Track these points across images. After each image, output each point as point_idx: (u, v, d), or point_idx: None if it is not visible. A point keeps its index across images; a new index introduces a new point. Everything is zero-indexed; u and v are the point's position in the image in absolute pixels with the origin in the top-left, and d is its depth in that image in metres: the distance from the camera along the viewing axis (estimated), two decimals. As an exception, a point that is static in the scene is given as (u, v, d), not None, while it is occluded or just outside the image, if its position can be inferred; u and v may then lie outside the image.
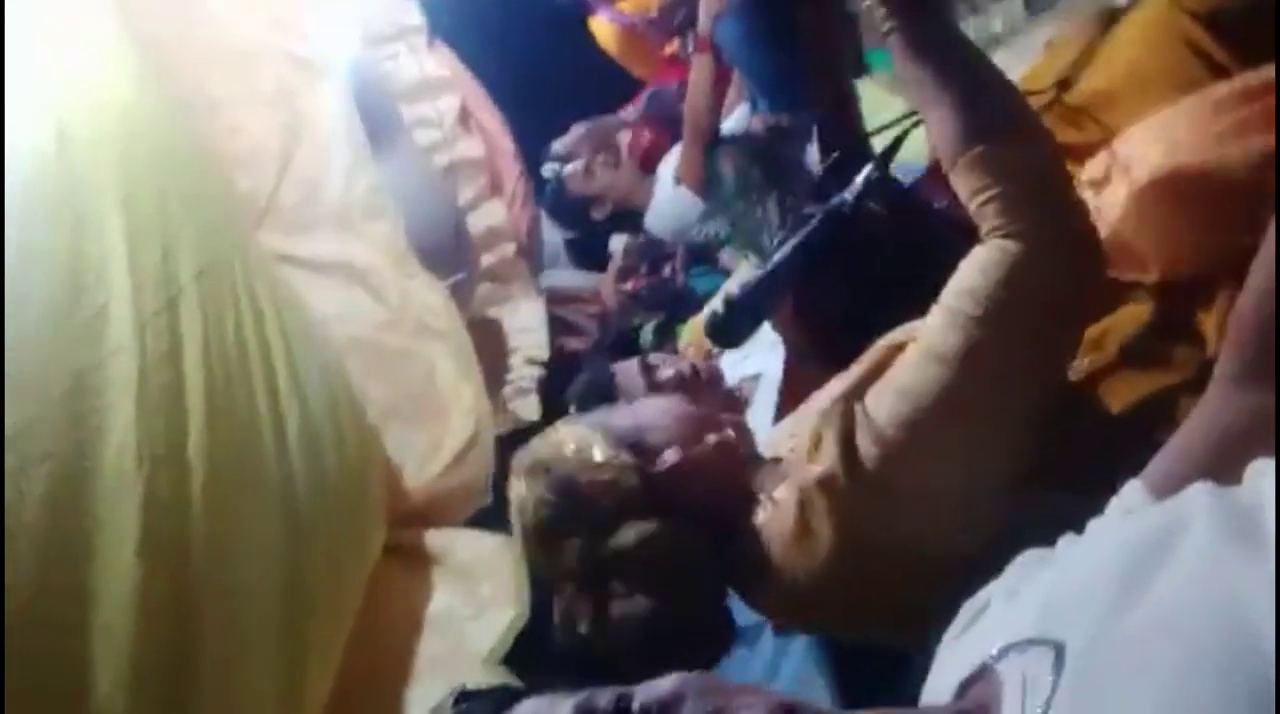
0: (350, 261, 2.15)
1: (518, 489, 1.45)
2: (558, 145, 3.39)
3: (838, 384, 1.45)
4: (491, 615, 1.92)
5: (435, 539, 2.10)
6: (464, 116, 3.01)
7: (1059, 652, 0.65)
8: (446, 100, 2.95)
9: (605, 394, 2.18)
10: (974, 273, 1.23)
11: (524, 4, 3.59)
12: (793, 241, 1.44)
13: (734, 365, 2.42)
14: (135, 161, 1.61)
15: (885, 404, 1.24)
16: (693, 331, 2.65)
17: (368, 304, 2.14)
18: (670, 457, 1.35)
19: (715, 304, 1.68)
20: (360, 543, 1.84)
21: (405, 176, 2.57)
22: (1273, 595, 0.60)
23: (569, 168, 3.34)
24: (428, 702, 1.79)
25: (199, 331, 1.50)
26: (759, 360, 2.33)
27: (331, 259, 2.15)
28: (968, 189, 1.23)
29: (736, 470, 1.39)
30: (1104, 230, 1.33)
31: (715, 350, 2.33)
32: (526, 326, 2.88)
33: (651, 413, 1.42)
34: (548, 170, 3.43)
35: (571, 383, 2.51)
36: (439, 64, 2.99)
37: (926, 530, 1.22)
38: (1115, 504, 0.86)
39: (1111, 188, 1.40)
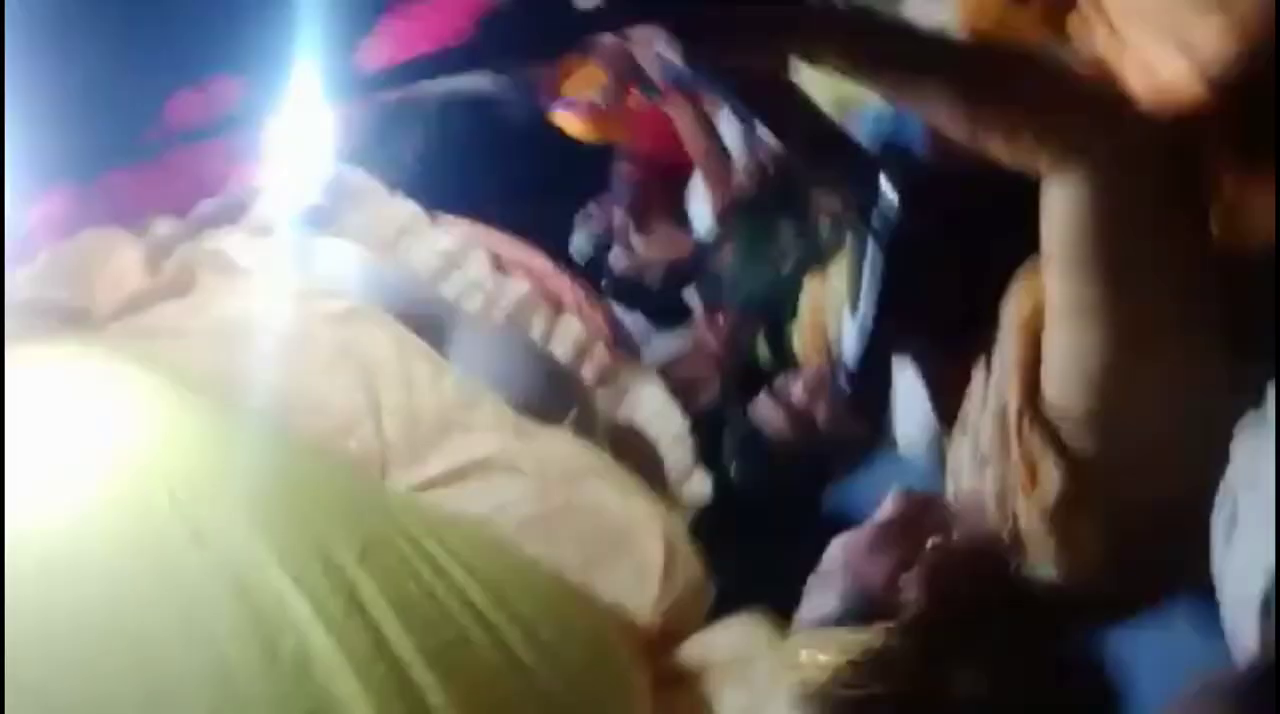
0: (475, 456, 2.19)
1: None
2: (578, 240, 3.44)
3: (981, 381, 1.39)
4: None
5: (690, 651, 2.12)
6: (496, 263, 3.08)
7: None
8: (473, 260, 3.01)
9: (756, 442, 2.17)
10: (1055, 219, 1.17)
11: (487, 128, 3.65)
12: (869, 294, 1.40)
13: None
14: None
15: (1066, 389, 1.18)
16: (801, 331, 2.62)
17: (511, 484, 2.18)
18: (910, 595, 1.32)
19: (841, 381, 1.64)
20: (629, 700, 1.86)
21: (478, 350, 2.63)
22: None
23: (611, 255, 3.37)
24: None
25: (388, 610, 1.55)
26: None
27: (461, 463, 2.20)
28: (999, 152, 1.17)
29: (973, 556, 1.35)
30: None
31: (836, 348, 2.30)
32: (656, 411, 2.90)
33: (857, 565, 1.39)
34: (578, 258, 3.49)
35: (719, 438, 2.52)
36: (447, 233, 3.05)
37: (1167, 477, 1.15)
38: None
39: None
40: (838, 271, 1.94)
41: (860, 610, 1.33)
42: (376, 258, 2.78)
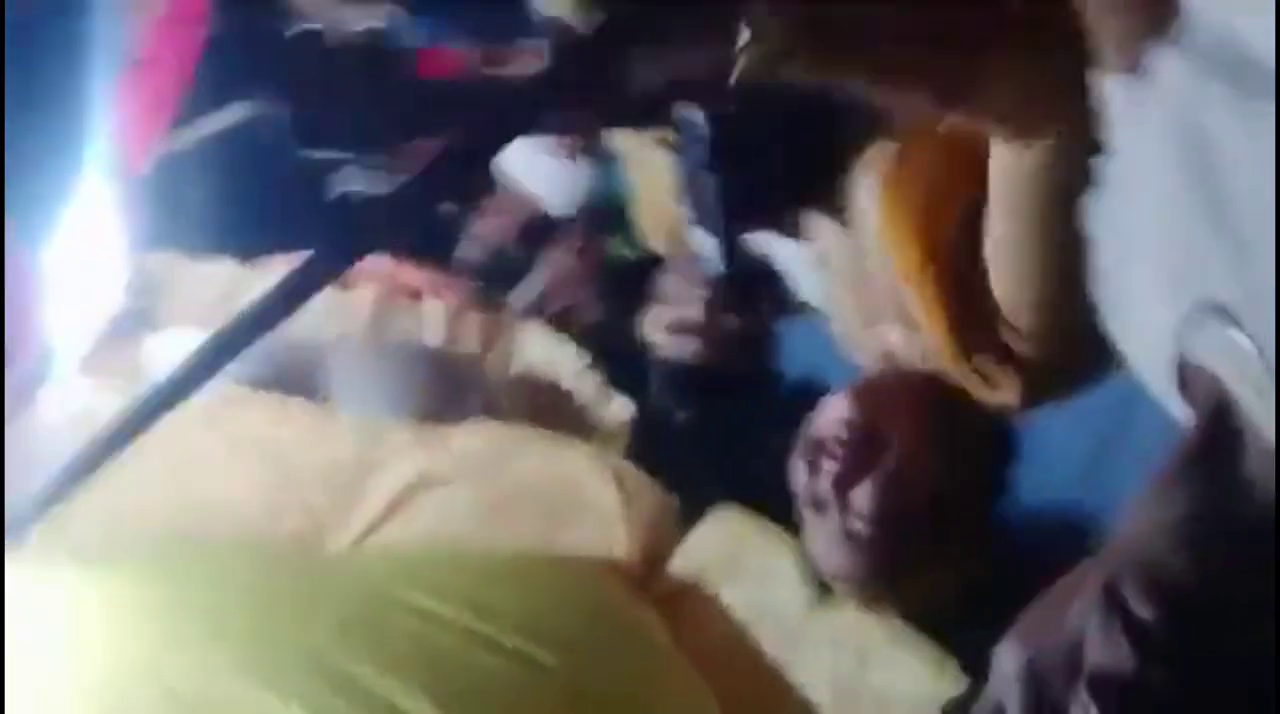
0: (400, 486, 2.21)
1: None
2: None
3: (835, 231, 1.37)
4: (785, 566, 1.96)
5: (678, 565, 2.17)
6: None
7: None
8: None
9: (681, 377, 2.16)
10: (1007, 175, 1.13)
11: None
12: (705, 204, 1.37)
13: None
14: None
15: (1016, 308, 1.17)
16: (647, 218, 2.59)
17: (445, 494, 2.19)
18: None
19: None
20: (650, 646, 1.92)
21: (357, 376, 2.58)
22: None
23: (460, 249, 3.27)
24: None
25: (395, 682, 1.55)
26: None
27: (389, 499, 2.21)
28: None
29: None
30: None
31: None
32: (549, 353, 2.89)
33: None
34: None
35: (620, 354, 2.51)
36: (272, 276, 2.96)
37: None
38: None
39: None
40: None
41: None
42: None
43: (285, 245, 3.09)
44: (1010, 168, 1.15)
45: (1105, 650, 0.55)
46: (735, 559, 2.08)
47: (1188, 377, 0.65)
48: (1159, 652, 0.54)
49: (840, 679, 1.82)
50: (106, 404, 2.36)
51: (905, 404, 1.31)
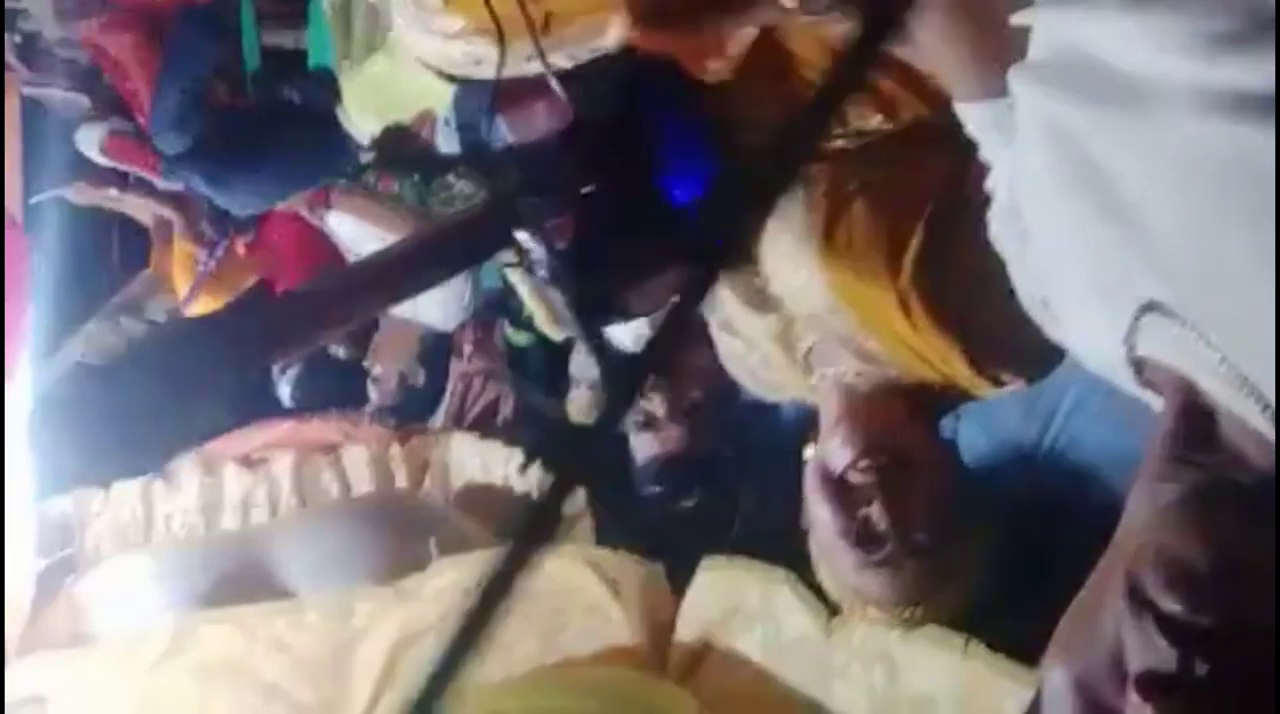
0: (385, 653, 2.13)
1: None
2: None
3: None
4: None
5: (684, 632, 2.13)
6: (246, 464, 2.93)
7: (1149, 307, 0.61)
8: (227, 482, 2.88)
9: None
10: None
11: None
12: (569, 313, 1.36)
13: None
14: None
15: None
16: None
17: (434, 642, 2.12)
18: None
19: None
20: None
21: (305, 553, 2.51)
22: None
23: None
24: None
25: None
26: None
27: (379, 670, 2.13)
28: None
29: None
30: None
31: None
32: (482, 459, 2.85)
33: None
34: None
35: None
36: (182, 486, 2.89)
37: None
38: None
39: None
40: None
41: None
42: (147, 563, 2.58)
43: (184, 442, 3.02)
44: None
45: (1144, 651, 0.55)
46: (737, 606, 2.05)
47: (1146, 371, 0.65)
48: (1195, 639, 0.54)
49: (876, 694, 1.79)
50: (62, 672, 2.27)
51: (904, 416, 1.31)
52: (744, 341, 1.45)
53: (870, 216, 1.22)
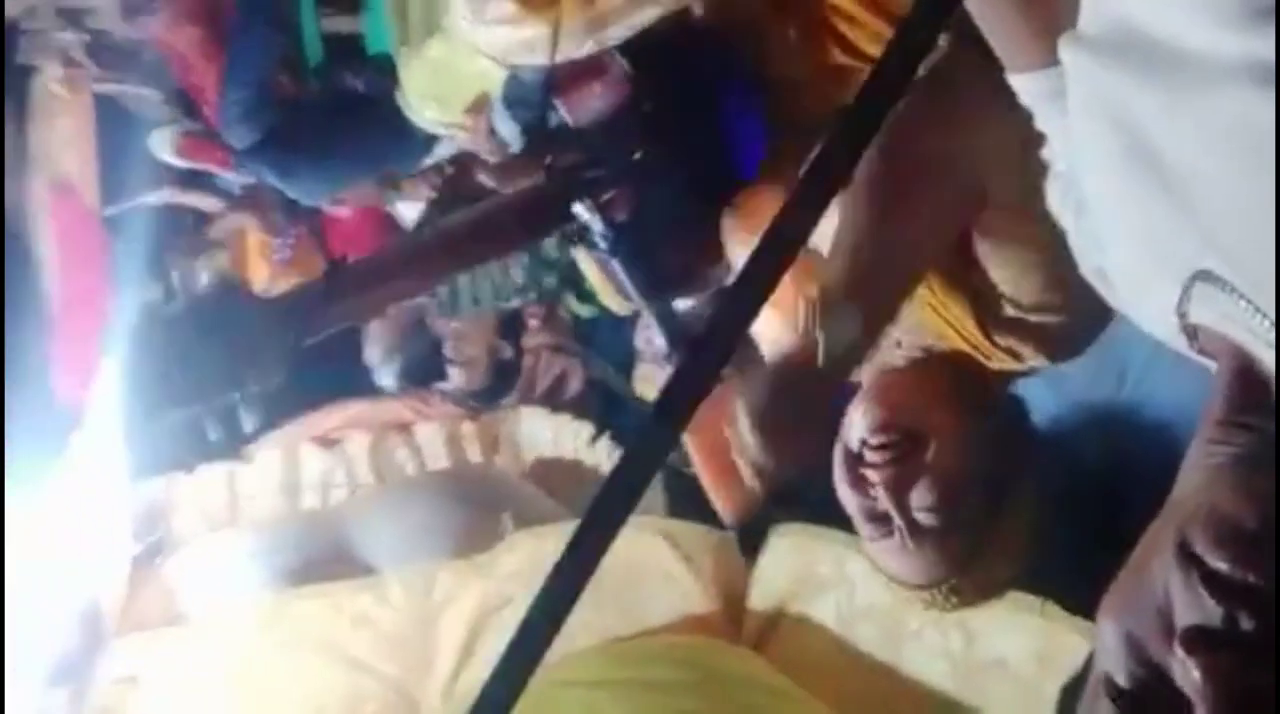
0: (466, 627, 2.18)
1: None
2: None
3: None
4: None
5: (757, 600, 2.15)
6: (324, 444, 3.00)
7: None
8: (305, 462, 2.95)
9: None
10: None
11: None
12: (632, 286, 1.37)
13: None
14: None
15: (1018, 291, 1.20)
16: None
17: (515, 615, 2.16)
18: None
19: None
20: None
21: (384, 530, 2.56)
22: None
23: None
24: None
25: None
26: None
27: (462, 640, 2.18)
28: None
29: None
30: None
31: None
32: (553, 434, 2.89)
33: None
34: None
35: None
36: (262, 462, 2.96)
37: None
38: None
39: None
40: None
41: None
42: (235, 543, 2.66)
43: (271, 423, 3.10)
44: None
45: (1190, 607, 0.56)
46: (810, 574, 2.06)
47: (1200, 338, 0.65)
48: (1240, 596, 0.55)
49: (955, 659, 1.80)
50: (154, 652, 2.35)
51: (931, 393, 1.30)
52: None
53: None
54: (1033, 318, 1.22)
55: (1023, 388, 1.82)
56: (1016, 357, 1.24)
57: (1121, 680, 0.58)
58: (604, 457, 2.69)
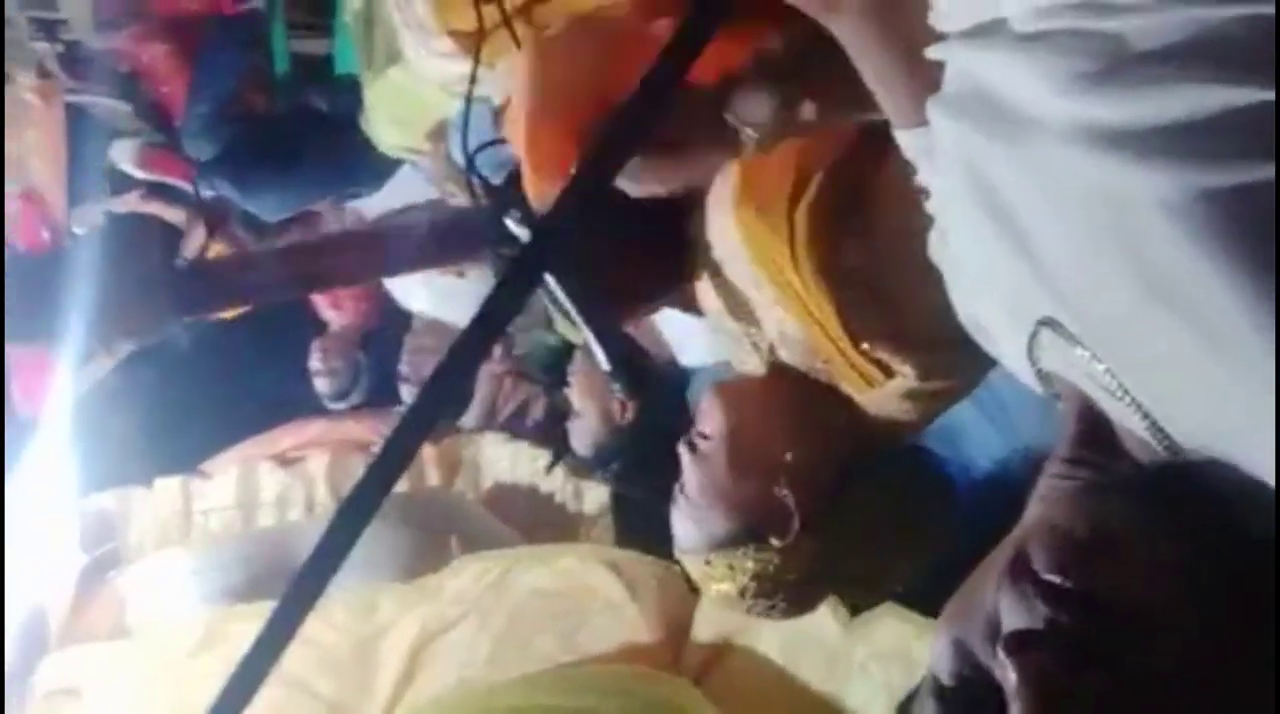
0: (406, 650, 2.17)
1: None
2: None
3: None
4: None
5: (701, 631, 2.16)
6: (282, 461, 3.00)
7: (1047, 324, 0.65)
8: (263, 479, 2.94)
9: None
10: None
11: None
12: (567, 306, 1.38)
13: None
14: None
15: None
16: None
17: (455, 640, 2.18)
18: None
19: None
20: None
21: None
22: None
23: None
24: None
25: None
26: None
27: (402, 665, 2.18)
28: None
29: None
30: None
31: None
32: (510, 461, 2.90)
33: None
34: None
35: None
36: (217, 480, 2.95)
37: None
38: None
39: None
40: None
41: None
42: (185, 559, 2.66)
43: (222, 441, 3.09)
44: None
45: (1015, 614, 0.59)
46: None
47: (1052, 381, 0.69)
48: (1064, 602, 0.57)
49: (894, 691, 1.80)
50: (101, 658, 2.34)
51: (780, 405, 1.31)
52: (710, 322, 1.44)
53: (784, 158, 1.22)
54: (921, 312, 1.21)
55: (971, 426, 1.84)
56: (883, 367, 1.24)
57: (945, 680, 0.60)
58: (559, 485, 2.70)
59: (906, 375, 1.22)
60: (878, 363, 1.24)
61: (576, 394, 2.65)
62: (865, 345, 1.22)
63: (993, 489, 1.84)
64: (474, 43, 1.27)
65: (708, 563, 1.28)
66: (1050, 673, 0.55)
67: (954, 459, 1.83)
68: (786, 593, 1.28)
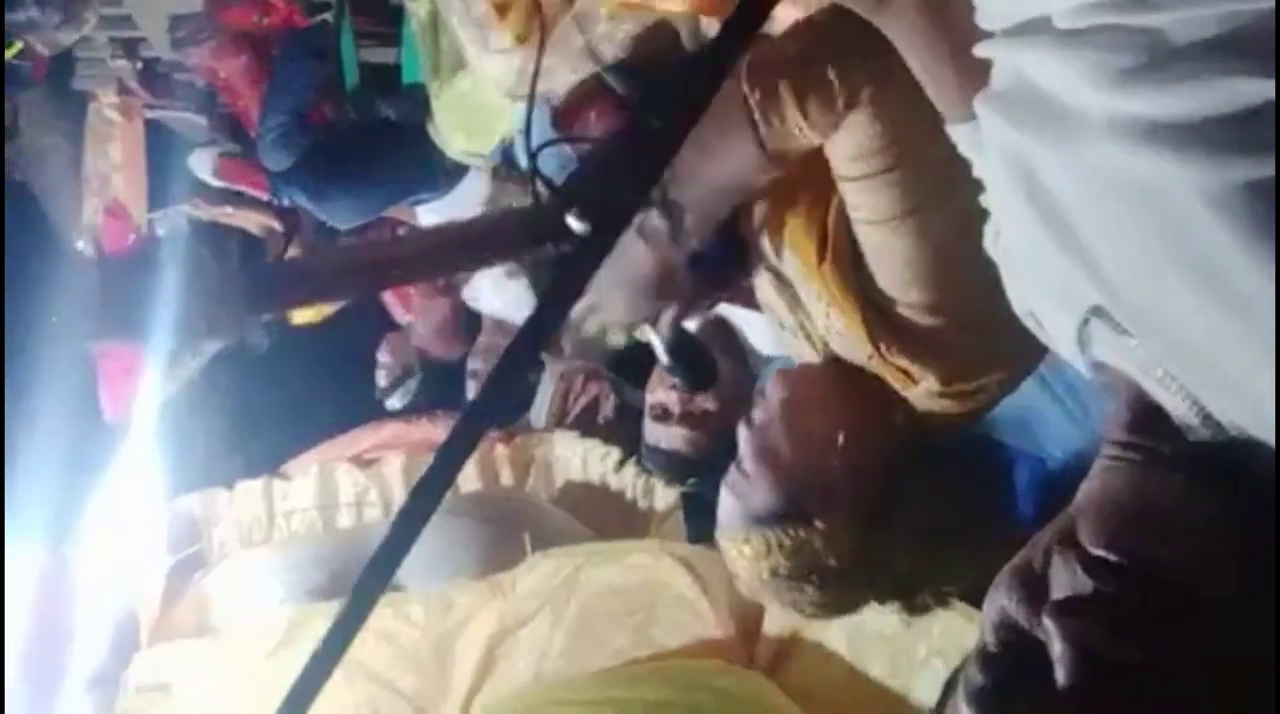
0: (484, 646, 2.21)
1: None
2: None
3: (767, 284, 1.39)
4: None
5: (771, 626, 2.16)
6: (360, 463, 3.06)
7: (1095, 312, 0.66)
8: (340, 483, 3.00)
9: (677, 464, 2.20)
10: (853, 141, 1.17)
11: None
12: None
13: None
14: None
15: (905, 287, 1.20)
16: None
17: (530, 636, 2.20)
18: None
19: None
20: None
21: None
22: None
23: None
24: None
25: None
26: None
27: (479, 659, 2.21)
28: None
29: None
30: None
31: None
32: (582, 458, 2.92)
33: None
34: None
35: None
36: (298, 483, 3.02)
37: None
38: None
39: None
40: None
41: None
42: (267, 559, 2.73)
43: (302, 443, 3.17)
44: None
45: (1064, 584, 0.61)
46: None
47: (1100, 369, 0.70)
48: (1112, 574, 0.59)
49: (960, 688, 1.80)
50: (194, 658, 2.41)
51: (828, 399, 1.33)
52: (777, 320, 1.46)
53: (815, 156, 1.22)
54: (920, 321, 1.22)
55: (1047, 413, 1.82)
56: (908, 377, 1.24)
57: (992, 648, 0.62)
58: (630, 480, 2.72)
59: (930, 382, 1.23)
60: (901, 369, 1.25)
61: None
62: (888, 353, 1.24)
63: (1072, 479, 1.82)
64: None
65: (746, 540, 1.29)
66: (1095, 639, 0.57)
67: (1029, 449, 1.82)
68: (822, 578, 1.28)
